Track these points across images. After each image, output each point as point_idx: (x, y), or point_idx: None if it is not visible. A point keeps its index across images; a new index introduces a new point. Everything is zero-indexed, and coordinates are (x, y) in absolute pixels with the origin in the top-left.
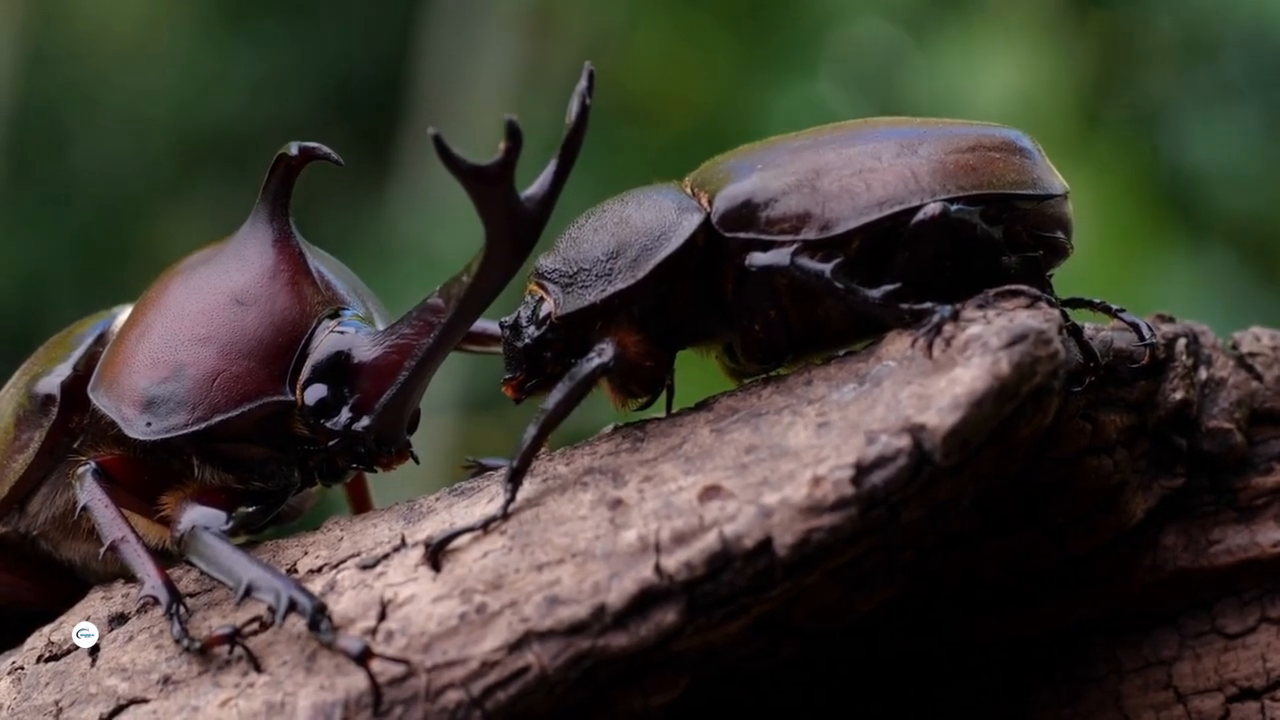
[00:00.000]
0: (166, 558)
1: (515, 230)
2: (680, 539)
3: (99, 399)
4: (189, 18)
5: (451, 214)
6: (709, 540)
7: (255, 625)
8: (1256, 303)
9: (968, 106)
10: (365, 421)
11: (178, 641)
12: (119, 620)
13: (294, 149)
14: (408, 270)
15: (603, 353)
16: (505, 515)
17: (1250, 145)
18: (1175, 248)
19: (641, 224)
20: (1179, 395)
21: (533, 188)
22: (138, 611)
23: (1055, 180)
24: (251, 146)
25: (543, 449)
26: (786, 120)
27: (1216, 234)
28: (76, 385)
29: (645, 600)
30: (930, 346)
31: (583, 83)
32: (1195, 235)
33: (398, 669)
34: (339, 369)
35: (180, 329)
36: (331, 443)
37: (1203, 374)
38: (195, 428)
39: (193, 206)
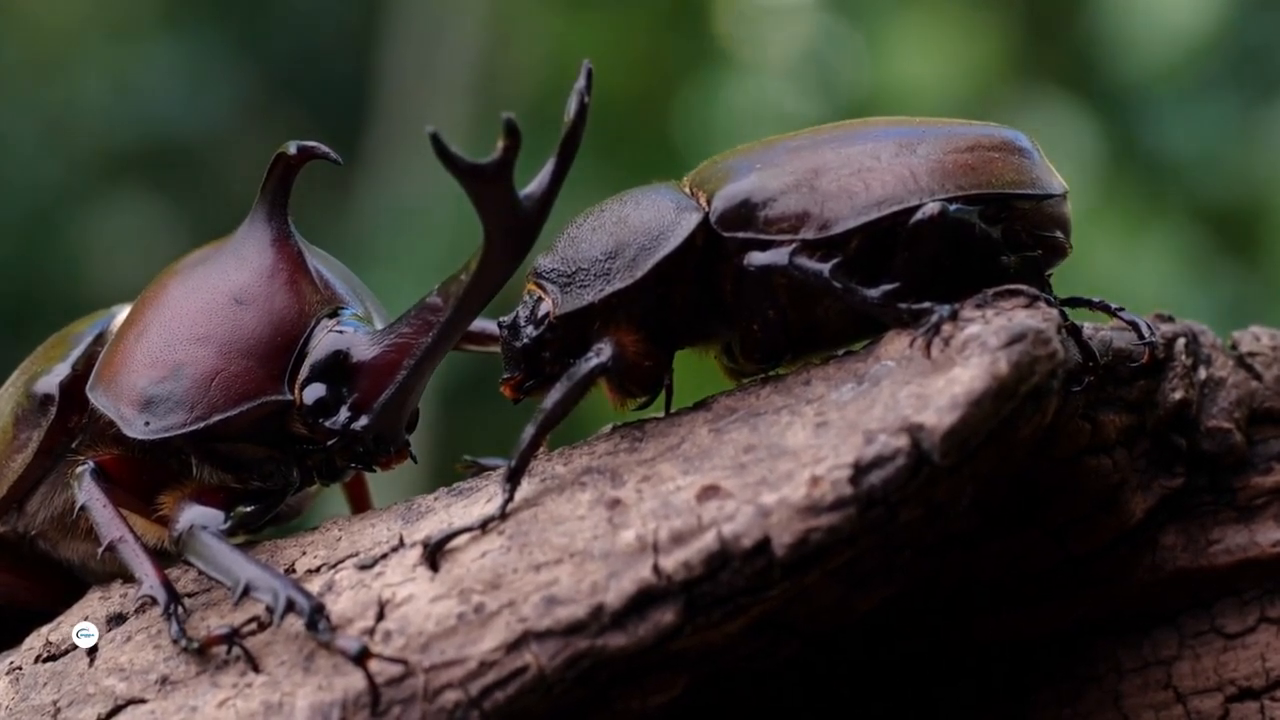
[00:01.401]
0: (165, 557)
1: (514, 229)
2: (678, 539)
3: (97, 398)
4: (150, 19)
5: (418, 212)
6: (707, 540)
7: (253, 625)
8: (1220, 276)
9: (909, 90)
10: (364, 421)
11: (176, 641)
12: (117, 620)
13: (293, 148)
14: (377, 267)
15: (601, 352)
16: (503, 515)
17: (1214, 131)
18: (1137, 223)
19: (640, 223)
20: (1178, 395)
21: (531, 186)
22: (136, 611)
23: (1054, 180)
24: (197, 151)
25: (541, 449)
26: (725, 115)
27: (1174, 207)
28: (75, 385)
29: (643, 600)
30: (929, 346)
31: (581, 81)
32: (1157, 210)
33: (396, 669)
34: (338, 368)
35: (179, 328)
36: (330, 442)
37: (1202, 373)
38: (194, 427)
39: (131, 211)
